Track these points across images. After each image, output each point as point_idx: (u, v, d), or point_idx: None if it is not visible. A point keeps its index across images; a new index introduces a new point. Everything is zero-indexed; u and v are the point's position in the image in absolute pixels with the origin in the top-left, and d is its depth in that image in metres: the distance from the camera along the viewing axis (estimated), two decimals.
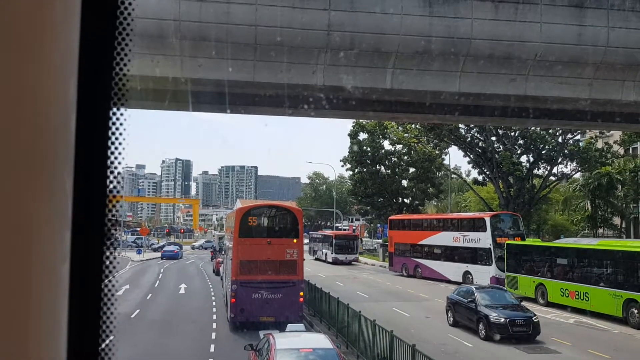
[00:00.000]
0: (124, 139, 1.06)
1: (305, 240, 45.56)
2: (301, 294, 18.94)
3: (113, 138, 1.06)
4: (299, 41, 12.41)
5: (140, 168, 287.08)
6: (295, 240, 19.06)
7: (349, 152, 53.56)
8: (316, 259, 52.50)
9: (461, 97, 13.75)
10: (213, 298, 27.19)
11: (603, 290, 21.72)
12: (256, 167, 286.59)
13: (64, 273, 0.96)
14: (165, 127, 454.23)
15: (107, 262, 1.06)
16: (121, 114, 1.06)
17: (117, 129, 1.06)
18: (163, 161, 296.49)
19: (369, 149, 52.64)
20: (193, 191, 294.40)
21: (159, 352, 16.76)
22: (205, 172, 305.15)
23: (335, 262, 47.36)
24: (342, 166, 56.14)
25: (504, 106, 14.90)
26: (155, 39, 11.62)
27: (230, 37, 12.10)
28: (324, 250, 51.86)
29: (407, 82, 13.47)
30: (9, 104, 0.86)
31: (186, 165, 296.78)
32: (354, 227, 76.37)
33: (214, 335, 18.38)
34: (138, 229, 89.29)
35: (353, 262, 48.59)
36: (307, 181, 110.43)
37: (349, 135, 52.79)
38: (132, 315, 21.63)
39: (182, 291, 30.90)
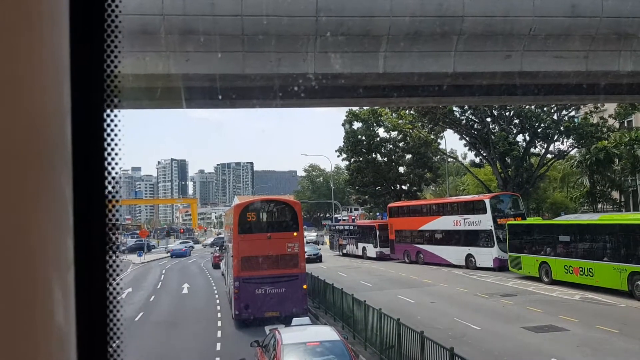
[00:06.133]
0: (119, 140, 1.06)
1: (306, 233, 44.64)
2: (304, 286, 18.83)
3: (109, 140, 1.05)
4: (287, 29, 12.14)
5: (136, 170, 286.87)
6: (295, 234, 18.96)
7: (344, 142, 53.36)
8: (345, 255, 45.77)
9: (456, 77, 13.51)
10: (216, 296, 27.07)
11: (607, 264, 21.61)
12: (252, 163, 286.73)
13: (69, 281, 0.96)
14: (158, 128, 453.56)
15: (111, 266, 1.06)
16: (115, 115, 1.05)
17: (112, 130, 1.05)
18: (158, 162, 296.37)
19: (363, 138, 52.45)
20: (190, 190, 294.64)
21: (165, 353, 16.64)
22: (202, 171, 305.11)
23: (381, 258, 40.63)
24: (338, 156, 55.92)
25: (499, 84, 14.71)
26: (140, 36, 11.37)
27: (217, 29, 11.84)
28: (360, 244, 44.07)
29: (400, 65, 13.24)
30: (3, 114, 0.84)
31: (182, 165, 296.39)
32: (353, 217, 76.22)
33: (219, 334, 18.29)
34: (137, 231, 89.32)
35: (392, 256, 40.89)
36: (304, 174, 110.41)
37: (343, 124, 52.64)
38: (136, 319, 21.47)
39: (185, 291, 30.80)
